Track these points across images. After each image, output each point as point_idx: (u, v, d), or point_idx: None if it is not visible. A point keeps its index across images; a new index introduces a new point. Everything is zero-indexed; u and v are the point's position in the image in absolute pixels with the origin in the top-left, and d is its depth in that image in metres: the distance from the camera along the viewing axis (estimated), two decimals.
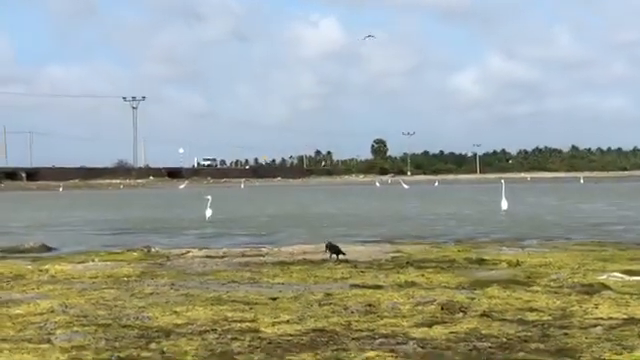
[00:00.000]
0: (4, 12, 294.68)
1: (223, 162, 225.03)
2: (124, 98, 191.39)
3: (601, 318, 8.87)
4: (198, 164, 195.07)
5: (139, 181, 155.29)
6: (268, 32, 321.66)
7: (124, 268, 14.51)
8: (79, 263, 15.56)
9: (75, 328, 8.49)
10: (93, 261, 16.02)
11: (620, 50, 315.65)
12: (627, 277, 12.18)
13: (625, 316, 8.97)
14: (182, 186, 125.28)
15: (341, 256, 15.30)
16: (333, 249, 15.43)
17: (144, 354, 7.27)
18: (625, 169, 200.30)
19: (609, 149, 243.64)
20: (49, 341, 7.84)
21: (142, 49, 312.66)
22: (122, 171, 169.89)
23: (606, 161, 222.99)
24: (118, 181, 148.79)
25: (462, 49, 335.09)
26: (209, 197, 32.37)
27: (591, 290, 10.84)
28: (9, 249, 20.53)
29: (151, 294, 11.04)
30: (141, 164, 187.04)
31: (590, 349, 7.30)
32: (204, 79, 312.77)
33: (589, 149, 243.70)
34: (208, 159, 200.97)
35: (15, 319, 9.16)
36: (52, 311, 9.64)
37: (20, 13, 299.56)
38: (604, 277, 12.14)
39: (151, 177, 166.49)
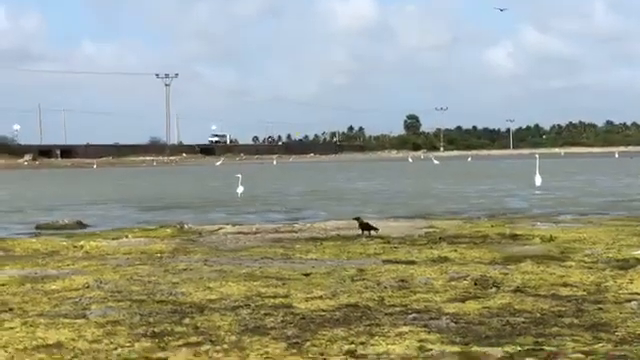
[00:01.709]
0: None
1: (256, 138, 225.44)
2: (157, 75, 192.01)
3: (636, 293, 8.81)
4: (210, 141, 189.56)
5: (172, 158, 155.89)
6: (301, 7, 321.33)
7: (157, 244, 14.59)
8: (113, 239, 15.67)
9: (110, 303, 8.55)
10: (127, 237, 16.13)
11: None
12: None
13: None
14: (218, 163, 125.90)
15: (373, 232, 15.28)
16: (363, 225, 15.41)
17: (178, 329, 7.31)
18: None
19: None
20: (84, 316, 7.91)
21: (175, 26, 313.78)
22: (155, 148, 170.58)
23: None
24: (151, 158, 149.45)
25: (496, 23, 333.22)
26: (239, 175, 32.34)
27: (626, 265, 10.77)
28: (44, 225, 20.74)
29: (184, 270, 11.10)
30: (174, 141, 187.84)
31: (625, 324, 7.26)
32: (237, 56, 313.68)
33: (624, 123, 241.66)
34: (217, 135, 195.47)
35: (51, 294, 9.24)
36: (87, 287, 9.71)
37: None
38: (639, 252, 12.05)
39: (184, 154, 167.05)
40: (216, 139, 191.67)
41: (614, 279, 9.66)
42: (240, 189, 32.46)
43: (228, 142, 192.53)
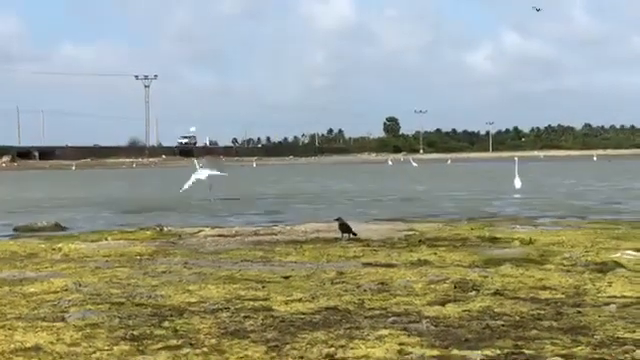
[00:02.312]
0: None
1: (235, 140, 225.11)
2: (136, 76, 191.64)
3: (614, 296, 8.85)
4: (179, 143, 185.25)
5: (151, 160, 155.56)
6: (281, 9, 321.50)
7: (137, 247, 14.54)
8: (92, 242, 15.60)
9: (89, 306, 8.51)
10: (106, 240, 16.07)
11: (636, 26, 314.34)
12: None
13: (638, 294, 8.94)
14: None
15: (352, 235, 15.29)
16: (343, 227, 15.41)
17: (157, 332, 7.29)
18: (639, 147, 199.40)
19: (622, 127, 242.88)
20: (63, 319, 7.87)
21: (155, 28, 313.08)
22: (135, 150, 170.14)
23: (620, 139, 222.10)
24: (131, 160, 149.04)
25: (476, 26, 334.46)
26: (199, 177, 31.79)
27: (604, 268, 10.82)
28: (23, 228, 20.62)
29: (164, 273, 11.07)
30: (153, 143, 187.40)
31: (603, 327, 7.28)
32: (217, 57, 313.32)
33: (602, 127, 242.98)
34: (186, 136, 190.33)
35: (29, 297, 9.19)
36: (66, 289, 9.67)
37: None
38: (617, 255, 12.10)
39: (163, 156, 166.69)
40: (185, 141, 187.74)
41: (593, 282, 9.70)
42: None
43: (201, 144, 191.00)
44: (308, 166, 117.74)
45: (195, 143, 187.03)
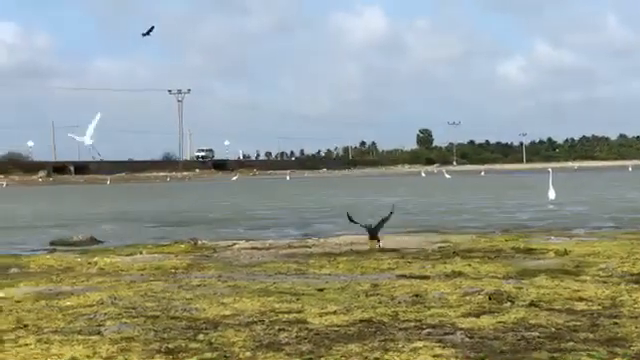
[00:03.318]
0: (49, 7, 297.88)
1: (269, 154, 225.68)
2: (169, 91, 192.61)
3: None
4: (197, 157, 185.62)
5: (185, 173, 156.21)
6: (312, 22, 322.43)
7: (171, 260, 14.61)
8: (127, 255, 15.70)
9: (124, 320, 8.56)
10: (141, 253, 16.16)
11: None
12: None
13: None
14: (234, 178, 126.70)
15: (381, 243, 15.31)
16: (372, 233, 15.41)
17: (192, 345, 7.32)
18: None
19: None
20: (99, 333, 7.92)
21: (187, 42, 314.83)
22: (168, 164, 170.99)
23: None
24: (165, 174, 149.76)
25: (508, 36, 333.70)
26: None
27: None
28: (58, 241, 20.79)
29: (198, 286, 11.10)
30: (187, 156, 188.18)
31: None
32: (249, 71, 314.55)
33: (638, 137, 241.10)
34: (203, 150, 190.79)
35: (65, 311, 9.26)
36: (101, 303, 9.72)
37: (64, 7, 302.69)
38: None
39: (197, 169, 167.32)
40: (202, 154, 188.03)
41: (629, 293, 9.62)
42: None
43: (235, 157, 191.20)
44: (341, 179, 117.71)
45: (213, 157, 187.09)
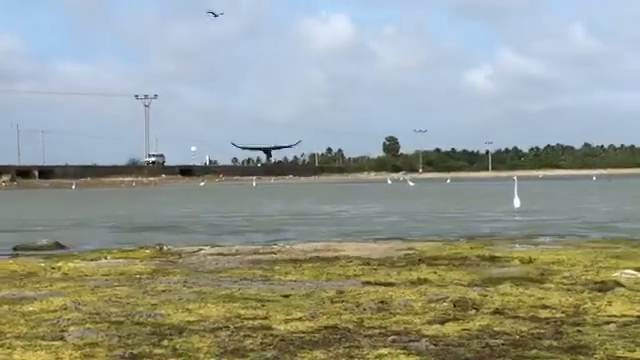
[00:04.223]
0: (16, 10, 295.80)
1: (235, 159, 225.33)
2: (136, 96, 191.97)
3: (614, 315, 8.84)
4: (147, 162, 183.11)
5: (151, 179, 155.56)
6: (279, 28, 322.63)
7: (136, 266, 14.54)
8: (91, 261, 15.60)
9: (88, 325, 8.50)
10: (105, 259, 16.06)
11: (635, 45, 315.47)
12: None
13: (638, 313, 8.93)
14: (202, 183, 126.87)
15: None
16: None
17: (157, 351, 7.28)
18: (638, 166, 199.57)
19: (622, 146, 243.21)
20: (62, 338, 7.86)
21: (154, 47, 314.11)
22: (134, 169, 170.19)
23: (619, 158, 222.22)
24: (130, 179, 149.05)
25: (475, 45, 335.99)
26: None
27: (604, 287, 10.81)
28: (22, 246, 20.60)
29: (163, 291, 11.05)
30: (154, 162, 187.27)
31: (603, 346, 7.28)
32: (216, 76, 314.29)
33: (602, 146, 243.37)
34: (153, 155, 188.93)
35: (28, 316, 9.18)
36: (65, 308, 9.65)
37: (31, 10, 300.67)
38: (617, 274, 12.09)
39: (163, 175, 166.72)
40: (153, 159, 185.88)
41: (592, 301, 9.69)
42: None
43: (201, 163, 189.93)
44: (308, 185, 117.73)
45: (164, 162, 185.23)
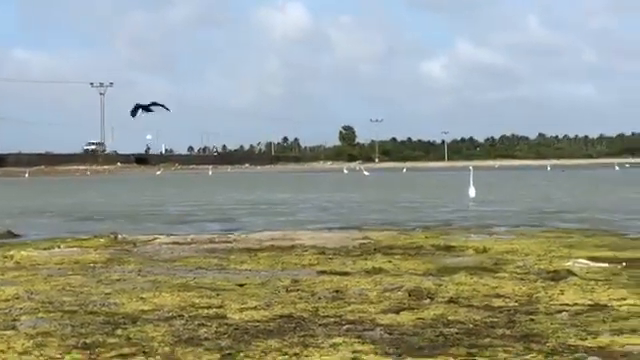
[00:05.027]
0: None
1: (191, 148, 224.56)
2: (91, 84, 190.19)
3: (566, 304, 8.94)
4: (86, 150, 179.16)
5: (106, 167, 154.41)
6: (237, 16, 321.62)
7: (90, 255, 14.43)
8: (45, 249, 15.46)
9: (40, 314, 8.43)
10: (59, 247, 15.92)
11: (590, 38, 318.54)
12: (592, 263, 12.27)
13: (590, 302, 9.04)
14: (159, 172, 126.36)
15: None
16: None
17: (110, 340, 7.24)
18: (591, 157, 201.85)
19: (576, 137, 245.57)
20: (14, 327, 7.79)
21: (111, 34, 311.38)
22: (89, 158, 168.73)
23: (573, 149, 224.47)
24: (85, 167, 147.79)
25: (432, 35, 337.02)
26: None
27: (557, 276, 10.92)
28: None
29: (118, 280, 10.99)
30: (109, 150, 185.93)
31: (555, 335, 7.35)
32: (172, 65, 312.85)
33: (556, 137, 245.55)
34: (92, 143, 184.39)
35: None
36: (17, 297, 9.57)
37: None
38: (570, 263, 12.23)
39: (119, 163, 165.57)
40: (92, 147, 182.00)
41: (545, 290, 9.79)
42: None
43: (157, 152, 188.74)
44: (264, 174, 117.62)
45: (104, 150, 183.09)
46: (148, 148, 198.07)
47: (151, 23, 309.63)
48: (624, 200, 34.93)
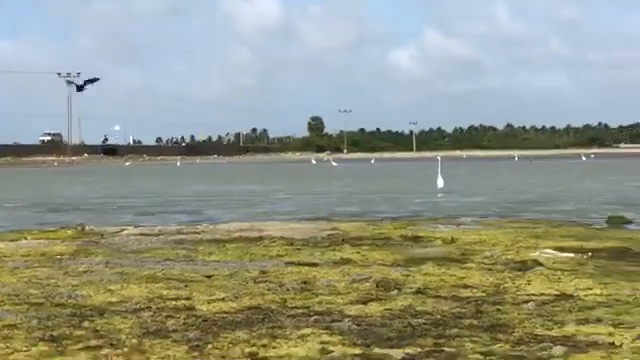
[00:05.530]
0: None
1: (160, 139, 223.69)
2: (59, 74, 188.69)
3: (533, 294, 9.00)
4: (42, 141, 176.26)
5: (74, 158, 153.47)
6: (206, 7, 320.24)
7: (57, 246, 14.34)
8: (11, 241, 15.35)
9: (6, 307, 8.38)
10: (25, 239, 15.82)
11: (558, 28, 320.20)
12: (559, 254, 12.37)
13: (556, 292, 9.11)
14: (127, 163, 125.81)
15: None
16: None
17: (77, 332, 7.20)
18: (558, 147, 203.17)
19: (543, 127, 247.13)
20: None
21: (78, 24, 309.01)
22: (56, 149, 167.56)
23: (540, 140, 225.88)
24: (52, 158, 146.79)
25: (401, 26, 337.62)
26: None
27: (524, 267, 10.99)
28: None
29: (85, 272, 10.94)
30: (76, 141, 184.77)
31: (522, 324, 7.40)
32: (142, 55, 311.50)
33: (524, 127, 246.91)
34: (49, 133, 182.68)
35: None
36: None
37: None
38: (536, 254, 12.31)
39: (86, 154, 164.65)
40: (48, 138, 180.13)
41: (512, 280, 9.85)
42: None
43: (125, 142, 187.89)
44: (233, 165, 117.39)
45: (61, 140, 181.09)
46: (106, 139, 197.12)
47: (119, 13, 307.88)
48: (589, 191, 35.19)
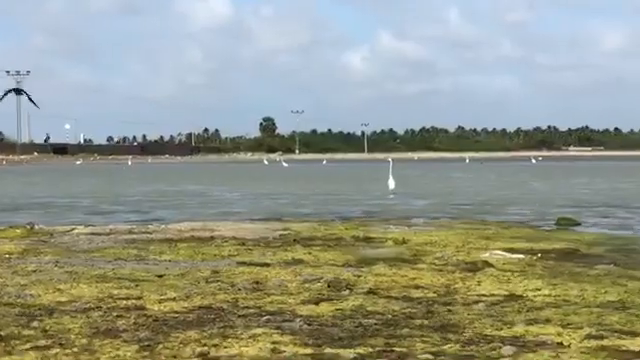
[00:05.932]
0: None
1: (111, 138, 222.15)
2: (7, 72, 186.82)
3: (483, 295, 9.06)
4: None
5: (23, 157, 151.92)
6: (158, 5, 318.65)
7: (6, 245, 14.17)
8: None
9: None
10: None
11: (508, 31, 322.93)
12: (508, 255, 12.46)
13: (506, 292, 9.19)
14: (78, 162, 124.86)
15: None
16: None
17: (25, 332, 7.13)
18: (508, 150, 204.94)
19: (494, 130, 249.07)
20: None
21: (28, 21, 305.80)
22: (5, 147, 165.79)
23: (490, 142, 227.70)
24: (1, 157, 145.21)
25: (353, 28, 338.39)
26: None
27: (474, 268, 11.06)
28: None
29: (34, 272, 10.82)
30: (25, 140, 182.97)
31: (472, 325, 7.45)
32: (93, 53, 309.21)
33: (474, 129, 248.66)
34: None
35: None
36: None
37: None
38: (487, 255, 12.40)
39: (36, 153, 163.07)
40: None
41: (463, 281, 9.91)
42: None
43: (76, 141, 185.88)
44: (184, 165, 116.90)
45: (2, 139, 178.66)
46: (48, 137, 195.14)
47: (71, 10, 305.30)
48: (539, 192, 35.54)
